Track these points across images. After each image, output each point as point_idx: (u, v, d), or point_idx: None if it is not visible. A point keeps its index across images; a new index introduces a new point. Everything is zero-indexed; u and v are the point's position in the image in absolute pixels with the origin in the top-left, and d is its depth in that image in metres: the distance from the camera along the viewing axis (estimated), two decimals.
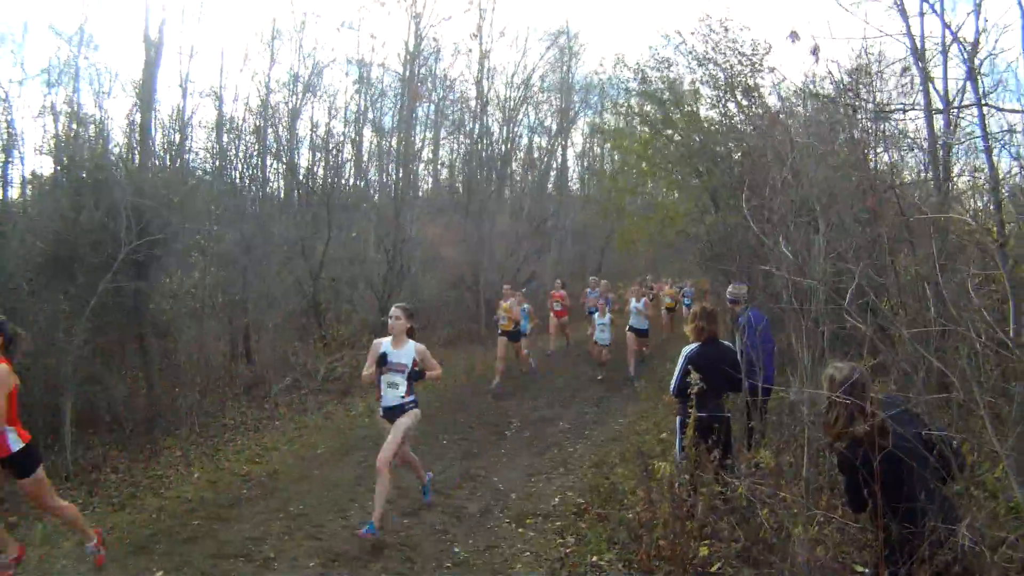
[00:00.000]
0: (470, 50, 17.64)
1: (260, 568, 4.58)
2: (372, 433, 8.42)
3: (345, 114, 17.59)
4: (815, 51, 4.68)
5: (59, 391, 6.39)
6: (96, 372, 6.79)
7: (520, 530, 5.11)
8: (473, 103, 18.45)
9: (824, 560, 3.20)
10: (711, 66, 10.67)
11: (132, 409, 7.47)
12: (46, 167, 14.05)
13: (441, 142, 19.94)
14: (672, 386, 4.78)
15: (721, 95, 10.80)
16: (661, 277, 19.38)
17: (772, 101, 9.69)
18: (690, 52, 10.95)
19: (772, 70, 10.09)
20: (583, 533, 4.86)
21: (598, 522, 4.96)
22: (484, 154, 18.66)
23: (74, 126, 10.80)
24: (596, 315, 11.84)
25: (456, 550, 4.81)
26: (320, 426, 8.68)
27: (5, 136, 10.23)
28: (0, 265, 6.98)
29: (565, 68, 20.34)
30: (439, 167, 20.37)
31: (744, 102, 10.48)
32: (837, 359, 3.35)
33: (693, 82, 11.33)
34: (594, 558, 4.39)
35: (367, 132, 17.93)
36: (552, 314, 13.39)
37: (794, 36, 4.71)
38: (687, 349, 4.86)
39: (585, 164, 24.21)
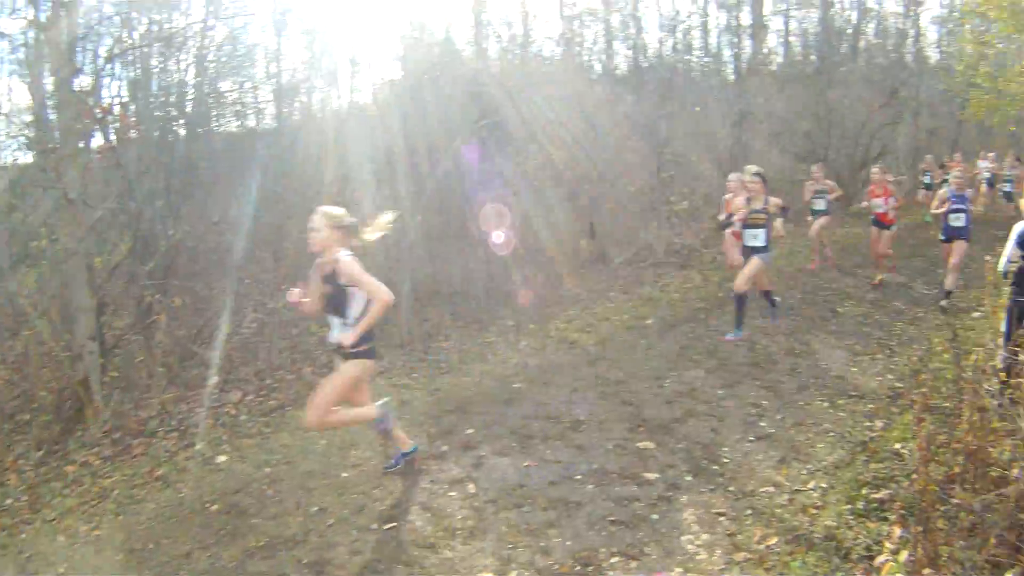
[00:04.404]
0: None
1: (567, 429, 4.78)
2: (707, 305, 7.90)
3: None
4: None
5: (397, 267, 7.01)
6: (434, 249, 7.31)
7: (831, 410, 4.92)
8: None
9: None
10: None
11: (469, 283, 7.92)
12: None
13: (792, 14, 18.45)
14: (1000, 265, 4.32)
15: None
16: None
17: None
18: None
19: None
20: (893, 418, 4.62)
21: (910, 408, 4.48)
22: (834, 22, 17.77)
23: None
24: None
25: (763, 424, 4.72)
26: (654, 298, 8.53)
27: None
28: None
29: None
30: (789, 39, 18.94)
31: None
32: None
33: None
34: (897, 445, 4.19)
35: (711, 9, 17.54)
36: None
37: None
38: (1019, 226, 4.37)
39: (947, 30, 20.15)
